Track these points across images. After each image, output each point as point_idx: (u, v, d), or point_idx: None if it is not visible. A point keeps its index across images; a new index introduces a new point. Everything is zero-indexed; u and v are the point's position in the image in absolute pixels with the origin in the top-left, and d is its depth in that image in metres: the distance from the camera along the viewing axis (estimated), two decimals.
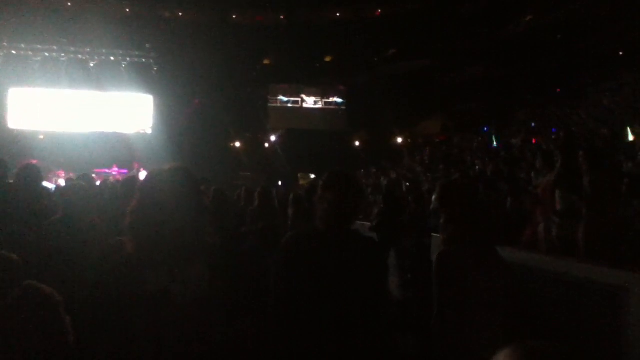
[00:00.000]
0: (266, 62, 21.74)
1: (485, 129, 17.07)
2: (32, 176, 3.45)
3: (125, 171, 18.54)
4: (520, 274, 2.57)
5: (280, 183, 13.58)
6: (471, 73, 19.40)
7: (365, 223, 5.51)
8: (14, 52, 19.14)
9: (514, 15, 18.49)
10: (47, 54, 19.32)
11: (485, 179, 7.33)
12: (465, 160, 11.97)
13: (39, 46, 19.14)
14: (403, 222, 4.02)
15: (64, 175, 17.61)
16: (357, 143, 21.41)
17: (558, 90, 17.70)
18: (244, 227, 4.52)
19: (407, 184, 8.13)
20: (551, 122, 14.03)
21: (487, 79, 18.72)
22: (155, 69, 20.21)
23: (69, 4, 18.77)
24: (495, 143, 13.49)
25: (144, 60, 20.16)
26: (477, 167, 10.10)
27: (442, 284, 2.18)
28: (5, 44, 18.86)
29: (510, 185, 5.54)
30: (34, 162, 17.59)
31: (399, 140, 21.07)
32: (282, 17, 21.21)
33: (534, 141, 11.99)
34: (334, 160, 18.98)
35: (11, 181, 3.68)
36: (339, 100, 22.69)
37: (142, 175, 18.28)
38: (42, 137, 19.02)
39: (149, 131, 19.82)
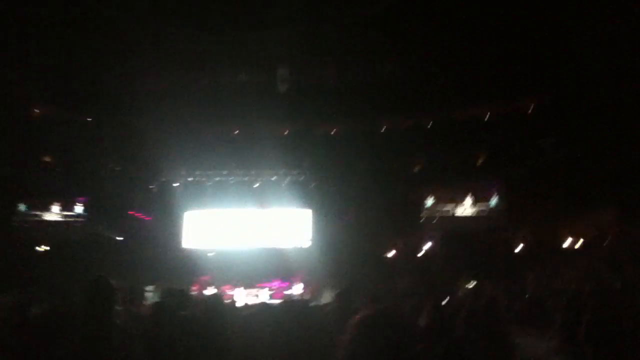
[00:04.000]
0: (416, 167, 21.81)
1: None
2: None
3: (287, 284, 19.11)
4: None
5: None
6: None
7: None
8: (190, 179, 21.41)
9: None
10: (217, 179, 21.32)
11: None
12: None
13: (210, 172, 21.27)
14: None
15: (229, 289, 18.62)
16: (520, 245, 20.06)
17: None
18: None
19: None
20: None
21: None
22: (313, 184, 21.23)
23: (236, 132, 20.83)
24: None
25: (302, 177, 21.36)
26: None
27: None
28: (183, 172, 21.24)
29: None
30: (205, 278, 18.93)
31: (569, 239, 19.36)
32: (430, 120, 21.45)
33: None
34: (495, 265, 17.89)
35: None
36: (496, 199, 21.75)
37: (299, 287, 18.70)
38: (211, 254, 20.49)
39: (307, 245, 20.41)
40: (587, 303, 4.72)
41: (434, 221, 21.75)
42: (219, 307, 4.38)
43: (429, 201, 21.98)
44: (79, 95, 16.64)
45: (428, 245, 21.08)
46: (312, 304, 12.45)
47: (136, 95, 17.21)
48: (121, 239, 20.23)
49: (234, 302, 9.74)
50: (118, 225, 20.23)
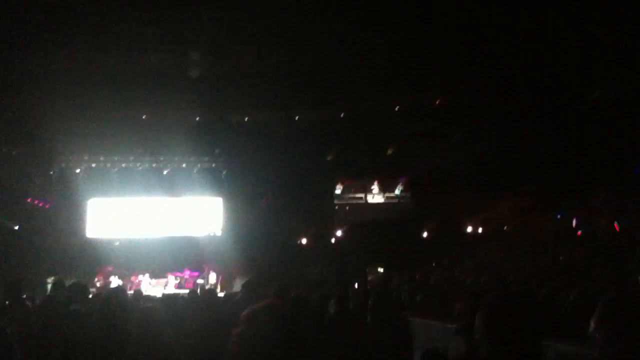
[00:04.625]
0: (330, 158, 22.08)
1: (559, 214, 16.29)
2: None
3: (197, 273, 18.81)
4: None
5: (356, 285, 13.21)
6: (542, 150, 18.82)
7: (449, 325, 5.12)
8: (93, 164, 20.39)
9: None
10: (123, 165, 20.47)
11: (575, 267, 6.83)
12: (547, 247, 11.35)
13: (116, 158, 20.37)
14: None
15: (137, 279, 18.07)
16: (425, 234, 20.92)
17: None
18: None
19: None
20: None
21: (560, 155, 18.10)
22: (224, 172, 20.93)
23: (144, 116, 20.03)
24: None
25: (213, 165, 20.99)
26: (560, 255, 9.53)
27: None
28: (86, 157, 20.19)
29: (615, 273, 5.08)
30: (110, 268, 18.23)
31: (469, 227, 20.44)
32: (343, 113, 21.73)
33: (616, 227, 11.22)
34: (403, 253, 18.54)
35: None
36: (404, 191, 22.52)
37: (212, 277, 18.50)
38: (117, 243, 19.73)
39: (219, 233, 20.16)
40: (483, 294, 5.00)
41: (346, 210, 22.22)
42: (119, 299, 4.19)
43: (340, 189, 22.40)
44: None
45: (339, 234, 21.49)
46: (223, 293, 12.38)
47: (35, 73, 16.00)
48: (16, 227, 18.93)
49: (139, 292, 9.43)
50: (14, 213, 18.90)
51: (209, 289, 10.11)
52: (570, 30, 16.87)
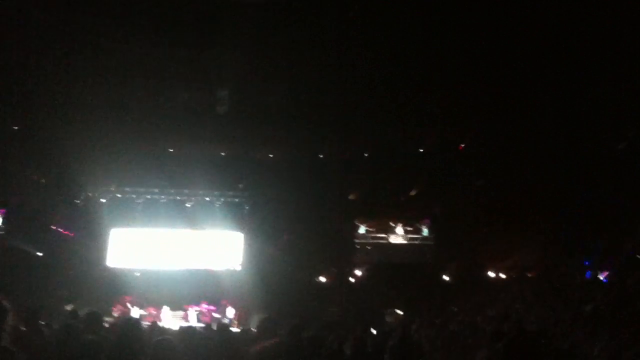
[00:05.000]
0: (352, 197, 22.04)
1: (586, 262, 15.85)
2: None
3: (214, 308, 18.71)
4: None
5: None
6: (569, 196, 18.52)
7: None
8: (119, 195, 20.67)
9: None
10: (148, 196, 20.70)
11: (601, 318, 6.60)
12: (571, 296, 11.02)
13: (141, 189, 20.63)
14: None
15: (153, 310, 18.03)
16: (446, 277, 20.57)
17: None
18: None
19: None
20: None
21: (587, 202, 17.77)
22: (247, 207, 21.01)
23: (170, 150, 20.36)
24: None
25: (236, 200, 21.09)
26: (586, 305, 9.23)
27: None
28: (112, 188, 20.49)
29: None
30: (128, 298, 18.26)
31: (492, 273, 20.04)
32: (366, 154, 21.80)
33: None
34: (424, 296, 18.23)
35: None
36: (425, 233, 22.27)
37: (229, 312, 18.37)
38: (138, 274, 19.77)
39: (238, 268, 20.08)
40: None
41: (367, 250, 22.00)
42: (134, 330, 4.16)
43: (362, 229, 22.24)
44: (4, 101, 15.77)
45: (359, 274, 21.24)
46: (240, 329, 12.25)
47: (66, 104, 16.46)
48: (40, 254, 19.15)
49: (155, 324, 9.38)
50: (38, 240, 19.16)
51: (224, 324, 10.02)
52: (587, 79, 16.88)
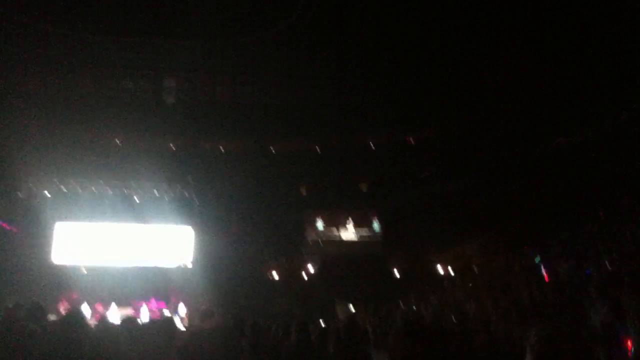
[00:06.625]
0: (302, 190, 22.19)
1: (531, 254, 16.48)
2: None
3: (163, 304, 18.46)
4: None
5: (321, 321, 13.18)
6: (513, 189, 19.21)
7: None
8: (63, 187, 20.06)
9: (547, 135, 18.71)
10: (94, 189, 20.17)
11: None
12: (511, 287, 11.47)
13: (86, 182, 20.09)
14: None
15: (101, 309, 17.61)
16: (394, 270, 21.00)
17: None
18: None
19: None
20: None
21: (531, 196, 18.48)
22: (197, 201, 20.80)
23: (117, 141, 19.91)
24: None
25: (186, 193, 20.84)
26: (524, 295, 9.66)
27: None
28: (55, 180, 19.86)
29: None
30: (75, 295, 17.72)
31: (439, 266, 20.59)
32: (316, 146, 21.97)
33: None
34: (371, 288, 18.54)
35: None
36: (375, 227, 22.65)
37: (181, 308, 18.16)
38: (84, 270, 19.28)
39: (189, 265, 19.85)
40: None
41: (318, 244, 22.21)
42: (77, 322, 4.16)
43: (313, 224, 22.43)
44: None
45: (309, 267, 21.42)
46: (188, 324, 12.17)
47: (6, 93, 15.89)
48: None
49: (103, 319, 9.23)
50: None
51: (168, 318, 9.92)
52: (544, 78, 17.56)
